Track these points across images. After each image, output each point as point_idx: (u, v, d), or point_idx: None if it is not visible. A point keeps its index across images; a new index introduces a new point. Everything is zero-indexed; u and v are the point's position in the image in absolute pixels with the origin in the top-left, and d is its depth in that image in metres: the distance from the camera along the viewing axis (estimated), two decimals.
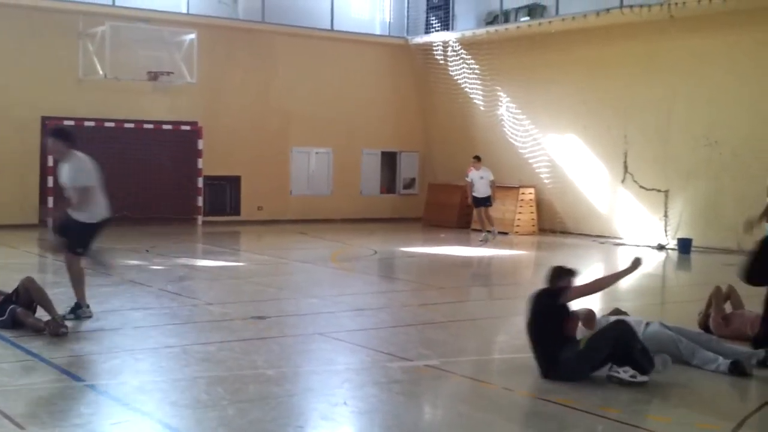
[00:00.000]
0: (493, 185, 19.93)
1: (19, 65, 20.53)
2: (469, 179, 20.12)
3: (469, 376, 6.89)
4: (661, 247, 18.72)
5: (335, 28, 25.00)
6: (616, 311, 8.32)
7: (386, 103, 25.77)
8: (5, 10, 20.33)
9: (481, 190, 19.84)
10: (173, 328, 9.04)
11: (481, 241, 19.32)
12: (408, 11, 26.26)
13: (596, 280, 7.54)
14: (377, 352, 7.94)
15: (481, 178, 19.87)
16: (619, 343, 6.73)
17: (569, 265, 7.31)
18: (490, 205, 20.01)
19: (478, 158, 20.16)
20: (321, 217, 24.19)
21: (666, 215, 19.29)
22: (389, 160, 26.30)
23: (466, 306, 11.66)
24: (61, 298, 10.76)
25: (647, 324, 7.67)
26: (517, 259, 17.59)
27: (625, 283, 13.55)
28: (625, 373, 6.62)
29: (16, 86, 20.48)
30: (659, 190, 19.44)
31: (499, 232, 20.16)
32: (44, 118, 20.84)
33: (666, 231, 19.20)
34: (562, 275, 7.08)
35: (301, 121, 24.40)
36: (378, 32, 26.21)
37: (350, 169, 25.29)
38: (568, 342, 6.87)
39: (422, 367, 7.37)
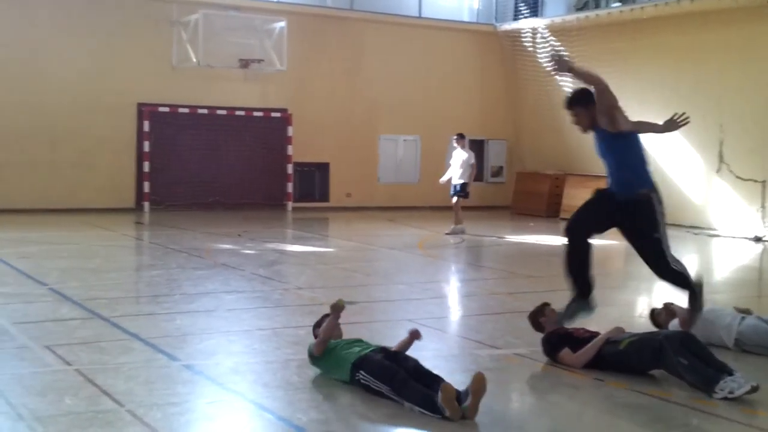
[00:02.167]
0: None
1: (115, 53, 21.11)
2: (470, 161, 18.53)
3: (559, 366, 6.83)
4: (758, 239, 18.19)
5: (423, 15, 24.98)
6: (744, 311, 7.87)
7: (474, 91, 25.64)
8: (103, 0, 20.94)
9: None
10: (265, 311, 9.21)
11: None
12: None
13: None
14: (465, 339, 7.95)
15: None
16: (657, 356, 6.44)
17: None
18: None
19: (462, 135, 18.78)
20: (408, 204, 24.25)
21: (763, 206, 18.72)
22: (476, 147, 26.12)
23: (556, 295, 11.42)
24: (158, 280, 11.09)
25: (743, 318, 7.47)
26: (608, 249, 17.30)
27: (720, 276, 13.26)
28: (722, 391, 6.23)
29: (113, 74, 21.06)
30: (756, 181, 18.88)
31: None
32: (140, 105, 21.42)
33: (763, 222, 18.65)
34: None
35: (389, 109, 24.47)
36: (466, 19, 26.07)
37: (437, 156, 25.20)
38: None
39: (511, 356, 7.34)
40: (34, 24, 20.31)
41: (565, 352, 6.82)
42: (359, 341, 6.40)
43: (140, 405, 5.55)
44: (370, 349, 6.17)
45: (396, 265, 13.67)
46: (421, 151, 25.13)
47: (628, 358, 6.58)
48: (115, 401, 5.60)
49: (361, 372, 5.95)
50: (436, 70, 25.05)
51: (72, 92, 20.59)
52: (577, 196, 21.57)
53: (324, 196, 24.06)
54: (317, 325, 6.54)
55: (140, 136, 21.43)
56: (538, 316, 7.24)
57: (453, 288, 11.32)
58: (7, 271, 11.10)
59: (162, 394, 5.88)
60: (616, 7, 21.91)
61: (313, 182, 24.03)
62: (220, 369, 6.64)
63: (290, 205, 22.89)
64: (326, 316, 6.43)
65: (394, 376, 5.76)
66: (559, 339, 6.94)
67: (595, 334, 6.89)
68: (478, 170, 23.26)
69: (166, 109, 21.55)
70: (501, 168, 26.24)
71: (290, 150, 22.88)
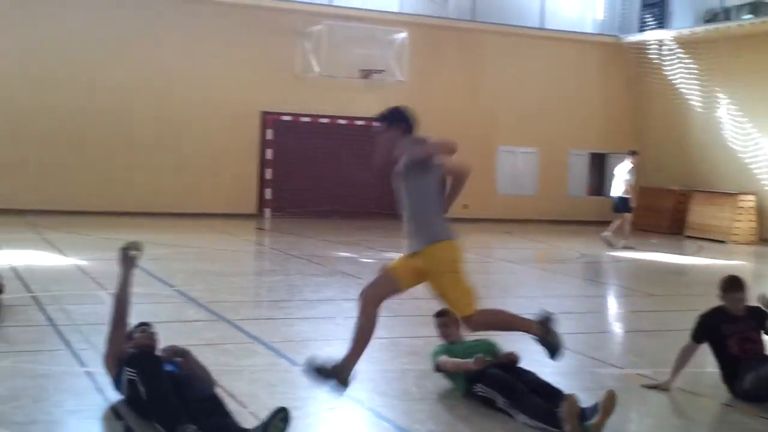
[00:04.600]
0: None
1: (240, 62, 21.69)
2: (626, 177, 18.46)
3: (684, 388, 6.62)
4: None
5: (545, 26, 24.74)
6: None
7: (596, 104, 25.22)
8: (229, 9, 21.56)
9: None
10: (383, 320, 9.14)
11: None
12: (621, 9, 25.54)
13: None
14: (585, 357, 7.80)
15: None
16: None
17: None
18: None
19: (634, 153, 18.79)
20: (526, 217, 24.01)
21: None
22: (597, 161, 25.72)
23: (680, 315, 11.19)
24: (279, 286, 11.31)
25: None
26: (736, 270, 16.69)
27: None
28: None
29: (238, 82, 21.64)
30: None
31: (716, 240, 19.09)
32: (263, 113, 21.94)
33: None
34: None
35: (508, 120, 24.32)
36: (589, 30, 25.67)
37: (557, 169, 24.95)
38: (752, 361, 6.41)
39: (633, 376, 7.17)
40: (164, 38, 21.08)
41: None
42: (479, 345, 6.35)
43: (263, 408, 5.64)
44: (488, 360, 6.12)
45: (514, 278, 13.55)
46: (540, 163, 24.86)
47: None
48: (239, 402, 5.73)
49: (479, 385, 5.92)
50: (557, 81, 24.76)
51: (198, 101, 21.25)
52: (703, 214, 20.98)
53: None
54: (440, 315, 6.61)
55: (263, 144, 21.95)
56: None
57: (572, 304, 11.12)
58: (137, 272, 11.49)
59: (283, 398, 5.97)
60: (748, 18, 21.17)
61: None
62: None
63: None
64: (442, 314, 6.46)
65: (514, 388, 5.71)
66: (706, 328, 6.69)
67: None
68: (599, 184, 22.86)
69: (289, 118, 22.00)
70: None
71: None
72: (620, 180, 18.33)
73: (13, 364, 6.52)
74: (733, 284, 6.73)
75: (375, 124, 6.25)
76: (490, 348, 6.42)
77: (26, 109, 19.80)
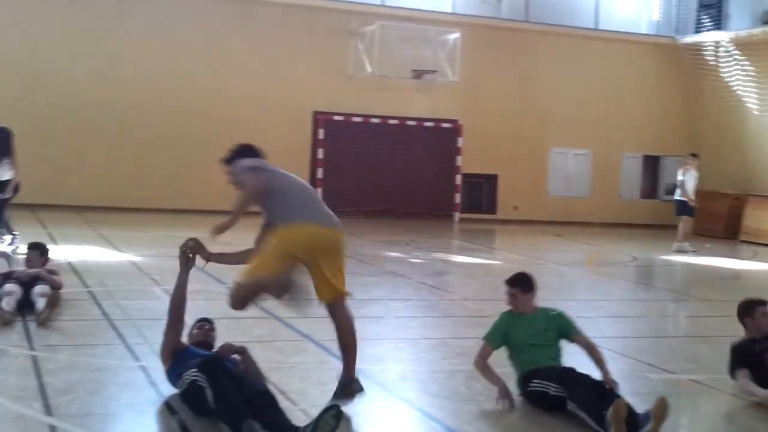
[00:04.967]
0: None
1: (294, 62, 21.86)
2: (682, 179, 18.24)
3: (737, 395, 6.52)
4: None
5: (600, 26, 24.52)
6: None
7: (650, 106, 24.93)
8: (284, 10, 21.75)
9: (691, 194, 18.05)
10: (432, 320, 9.29)
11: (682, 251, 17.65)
12: (677, 10, 25.21)
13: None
14: (637, 362, 7.73)
15: (696, 179, 18.15)
16: None
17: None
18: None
19: (695, 156, 18.51)
20: (577, 220, 23.82)
21: None
22: (651, 163, 25.42)
23: (733, 321, 11.01)
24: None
25: None
26: None
27: None
28: None
29: (291, 82, 21.81)
30: None
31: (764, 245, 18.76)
32: (316, 113, 22.07)
33: None
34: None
35: (560, 122, 24.15)
36: (644, 31, 25.39)
37: (609, 171, 24.71)
38: None
39: (686, 381, 7.08)
40: (219, 38, 21.33)
41: (742, 375, 6.46)
42: (550, 320, 6.22)
43: (313, 405, 5.69)
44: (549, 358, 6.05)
45: (565, 281, 13.45)
46: (592, 165, 24.64)
47: None
48: (290, 400, 5.78)
49: (534, 381, 5.87)
50: (611, 83, 24.52)
51: (252, 100, 21.47)
52: (759, 218, 20.63)
53: (491, 208, 24.00)
54: None
55: (315, 143, 22.08)
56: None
57: (624, 308, 11.02)
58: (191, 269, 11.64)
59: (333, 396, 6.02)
60: None
61: (481, 193, 24.02)
62: (389, 375, 6.74)
63: (457, 215, 22.97)
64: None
65: (568, 377, 5.68)
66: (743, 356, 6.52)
67: None
68: (652, 187, 22.55)
69: (341, 118, 22.11)
70: (675, 186, 25.31)
71: (459, 161, 22.98)
72: (688, 183, 18.04)
73: (70, 357, 6.66)
74: (754, 303, 6.75)
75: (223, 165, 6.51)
76: (559, 324, 6.21)
77: (87, 108, 20.20)
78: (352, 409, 5.74)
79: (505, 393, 5.92)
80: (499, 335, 6.22)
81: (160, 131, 20.84)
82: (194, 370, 5.30)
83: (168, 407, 5.49)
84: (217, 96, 21.21)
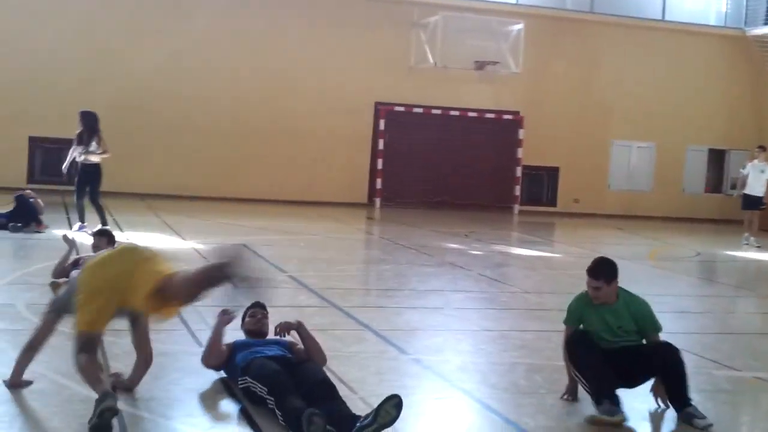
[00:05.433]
0: None
1: (355, 53, 21.92)
2: (745, 172, 18.00)
3: None
4: None
5: (667, 18, 24.10)
6: None
7: (717, 98, 24.45)
8: (346, 1, 21.81)
9: (756, 187, 17.74)
10: (492, 312, 9.26)
11: (746, 244, 17.47)
12: (746, 1, 24.65)
13: None
14: (701, 358, 7.60)
15: (762, 172, 17.74)
16: None
17: None
18: (765, 208, 17.81)
19: (762, 148, 18.06)
20: (639, 214, 23.50)
21: None
22: (717, 157, 24.93)
23: None
24: (388, 275, 11.41)
25: None
26: None
27: None
28: None
29: (353, 73, 21.87)
30: None
31: None
32: (377, 104, 22.11)
33: None
34: None
35: (624, 114, 23.83)
36: (712, 23, 24.87)
37: (673, 165, 24.32)
38: None
39: (751, 379, 6.95)
40: (283, 29, 21.51)
41: None
42: (631, 313, 5.87)
43: (372, 394, 5.71)
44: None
45: (626, 275, 13.19)
46: (656, 158, 24.27)
47: None
48: (349, 388, 5.81)
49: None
50: (677, 75, 24.10)
51: (314, 90, 21.60)
52: None
53: (551, 201, 23.81)
54: None
55: (376, 134, 22.13)
56: None
57: (687, 303, 10.84)
58: (253, 258, 11.79)
59: (392, 386, 6.03)
60: None
61: (541, 186, 23.83)
62: (448, 366, 6.74)
63: (517, 208, 22.82)
64: None
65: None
66: None
67: None
68: (717, 181, 22.08)
69: (402, 109, 22.11)
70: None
71: (520, 153, 22.81)
72: (754, 176, 17.69)
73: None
74: None
75: None
76: (639, 318, 5.85)
77: (151, 99, 20.53)
78: (410, 398, 5.76)
79: (572, 390, 5.85)
80: (575, 318, 5.94)
81: (222, 122, 21.11)
82: (248, 378, 5.30)
83: (230, 393, 5.56)
84: (279, 87, 21.39)
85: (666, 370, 5.63)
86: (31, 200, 13.45)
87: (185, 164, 20.89)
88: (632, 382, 5.74)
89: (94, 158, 13.39)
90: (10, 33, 19.93)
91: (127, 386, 5.55)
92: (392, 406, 4.76)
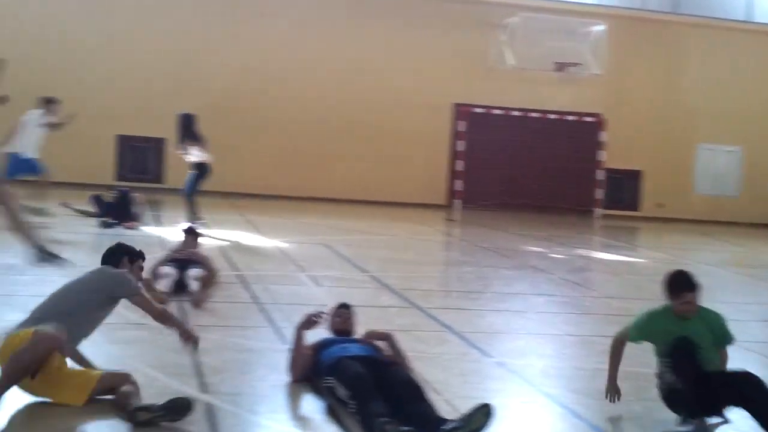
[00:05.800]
0: None
1: (434, 54, 21.93)
2: None
3: None
4: None
5: (753, 19, 23.48)
6: None
7: None
8: (426, 1, 21.83)
9: None
10: (574, 317, 9.16)
11: None
12: None
13: None
14: None
15: None
16: None
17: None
18: None
19: None
20: (726, 219, 22.94)
21: None
22: None
23: None
24: (469, 277, 11.39)
25: None
26: None
27: None
28: None
29: (431, 74, 21.88)
30: None
31: None
32: (456, 105, 22.08)
33: None
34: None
35: (710, 117, 23.31)
36: None
37: (762, 170, 23.65)
38: None
39: None
40: (363, 30, 21.65)
41: None
42: (706, 326, 5.68)
43: (456, 396, 5.72)
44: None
45: (712, 282, 12.93)
46: (744, 162, 23.67)
47: None
48: (433, 389, 5.82)
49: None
50: (764, 77, 23.46)
51: (393, 91, 21.67)
52: None
53: (633, 205, 23.42)
54: None
55: (454, 135, 22.09)
56: None
57: None
58: (334, 257, 11.95)
59: (476, 388, 6.03)
60: None
61: (623, 190, 23.45)
62: (532, 370, 6.69)
63: (598, 211, 22.51)
64: None
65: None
66: None
67: None
68: None
69: (481, 110, 22.02)
70: None
71: (601, 155, 22.50)
72: None
73: (221, 337, 6.91)
74: None
75: None
76: (715, 329, 5.67)
77: (237, 99, 20.87)
78: (496, 402, 5.73)
79: (613, 389, 5.71)
80: (643, 335, 5.74)
81: (305, 122, 21.34)
82: (332, 379, 5.32)
83: (314, 391, 5.62)
84: (359, 88, 21.53)
85: (755, 402, 5.36)
86: (134, 195, 13.97)
87: (269, 164, 21.18)
88: (713, 410, 5.52)
89: (195, 157, 13.92)
90: (101, 36, 20.48)
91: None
92: (483, 414, 4.75)
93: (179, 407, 4.86)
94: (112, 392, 5.06)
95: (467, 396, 5.79)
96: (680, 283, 5.61)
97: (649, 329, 5.71)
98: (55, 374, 5.03)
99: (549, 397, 6.02)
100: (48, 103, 14.19)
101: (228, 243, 12.54)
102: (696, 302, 5.61)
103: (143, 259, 6.02)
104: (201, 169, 14.13)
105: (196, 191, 14.26)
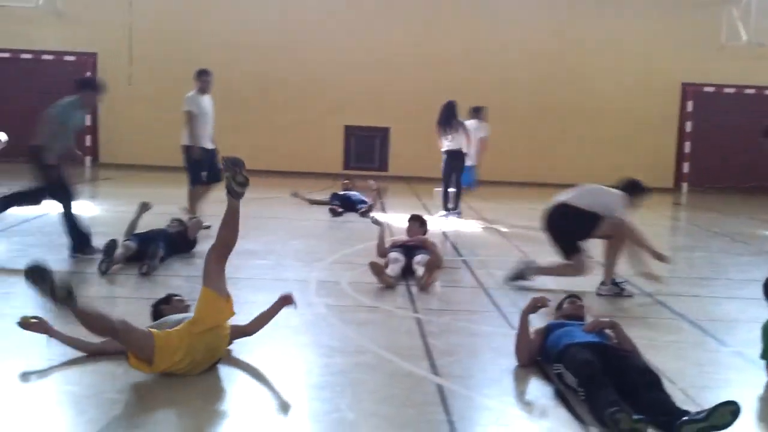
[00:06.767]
0: None
1: (660, 34, 21.15)
2: None
3: None
4: None
5: None
6: None
7: None
8: None
9: None
10: None
11: None
12: None
13: None
14: None
15: None
16: None
17: None
18: None
19: None
20: None
21: None
22: None
23: None
24: (700, 263, 10.90)
25: None
26: None
27: None
28: None
29: (658, 54, 21.10)
30: None
31: None
32: (684, 85, 21.18)
33: None
34: None
35: None
36: None
37: None
38: None
39: None
40: (576, 9, 21.18)
41: None
42: None
43: (692, 386, 5.53)
44: None
45: None
46: None
47: None
48: (668, 378, 5.65)
49: None
50: None
51: (617, 72, 21.12)
52: None
53: None
54: None
55: (682, 116, 21.21)
56: None
57: None
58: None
59: (714, 378, 5.80)
60: None
61: None
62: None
63: None
64: None
65: None
66: None
67: None
68: None
69: (711, 89, 21.00)
70: None
71: None
72: None
73: (449, 321, 7.04)
74: None
75: None
76: None
77: (473, 91, 21.09)
78: (734, 393, 5.48)
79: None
80: None
81: (525, 105, 21.25)
82: (561, 366, 5.31)
83: (543, 376, 5.60)
84: (580, 70, 21.19)
85: None
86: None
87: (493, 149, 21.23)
88: None
89: (448, 145, 14.10)
90: (331, 35, 21.34)
91: None
92: (729, 412, 4.56)
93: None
94: None
95: (705, 386, 5.59)
96: None
97: None
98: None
99: None
100: (476, 111, 15.50)
101: (451, 229, 12.74)
102: None
103: None
104: (454, 157, 14.19)
105: (461, 183, 14.43)
